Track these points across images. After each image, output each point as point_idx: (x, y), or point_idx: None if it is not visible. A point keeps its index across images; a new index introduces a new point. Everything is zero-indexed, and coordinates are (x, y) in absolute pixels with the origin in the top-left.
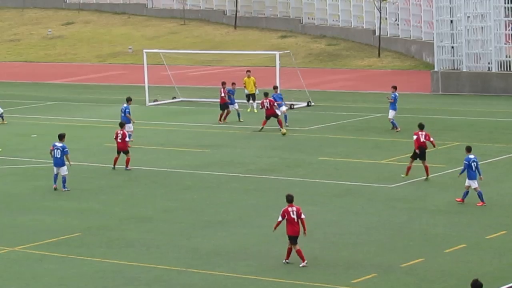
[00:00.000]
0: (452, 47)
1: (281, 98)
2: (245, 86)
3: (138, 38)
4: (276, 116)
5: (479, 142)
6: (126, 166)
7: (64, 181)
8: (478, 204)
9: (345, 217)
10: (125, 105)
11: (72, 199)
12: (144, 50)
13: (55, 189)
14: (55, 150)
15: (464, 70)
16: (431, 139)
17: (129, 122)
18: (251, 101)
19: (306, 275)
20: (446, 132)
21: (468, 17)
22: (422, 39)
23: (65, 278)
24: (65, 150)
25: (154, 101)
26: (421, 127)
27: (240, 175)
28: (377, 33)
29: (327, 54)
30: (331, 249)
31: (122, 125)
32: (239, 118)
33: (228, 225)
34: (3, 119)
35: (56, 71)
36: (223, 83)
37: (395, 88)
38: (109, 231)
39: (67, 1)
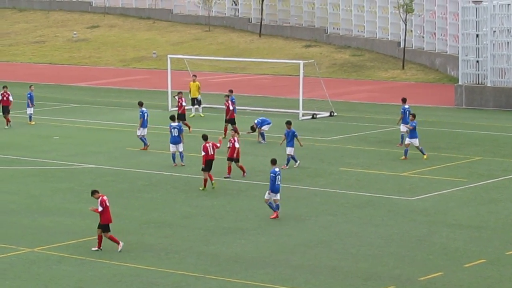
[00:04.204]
0: (477, 61)
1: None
2: (189, 91)
3: (163, 43)
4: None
5: (502, 157)
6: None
7: (182, 157)
8: None
9: (365, 228)
10: (144, 109)
11: (92, 202)
12: (168, 56)
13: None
14: (173, 130)
15: (489, 84)
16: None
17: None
18: (196, 106)
19: (324, 285)
20: (469, 146)
21: (494, 31)
22: (447, 52)
23: (83, 280)
24: (181, 128)
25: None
26: None
27: (260, 183)
28: (401, 45)
29: (351, 64)
30: (350, 260)
31: (205, 138)
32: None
33: (247, 233)
34: (30, 120)
35: (80, 74)
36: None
37: (414, 116)
38: (128, 235)
39: (93, 5)
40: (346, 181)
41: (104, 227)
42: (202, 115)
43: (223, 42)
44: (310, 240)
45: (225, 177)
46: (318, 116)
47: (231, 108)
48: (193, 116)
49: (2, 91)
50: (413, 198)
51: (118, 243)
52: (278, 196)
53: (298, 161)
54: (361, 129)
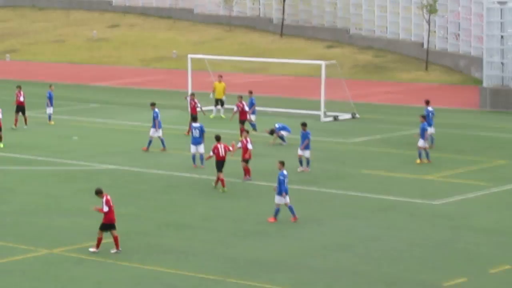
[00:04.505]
0: (502, 63)
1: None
2: (213, 91)
3: (183, 43)
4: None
5: None
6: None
7: (202, 159)
8: None
9: (387, 232)
10: (156, 109)
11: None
12: (189, 56)
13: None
14: (194, 130)
15: None
16: None
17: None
18: (218, 107)
19: None
20: (493, 149)
21: None
22: (471, 53)
23: (102, 282)
24: (203, 129)
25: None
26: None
27: None
28: (425, 46)
29: (373, 65)
30: (372, 265)
31: (218, 138)
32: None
33: (267, 236)
34: (50, 120)
35: (100, 74)
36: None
37: (424, 117)
38: (147, 237)
39: (113, 4)
40: (368, 184)
41: (106, 227)
42: (223, 117)
43: (244, 42)
44: (331, 244)
45: (245, 180)
46: (340, 118)
47: (246, 109)
48: (214, 117)
49: (16, 91)
50: (436, 202)
51: (117, 248)
52: (288, 199)
53: (309, 168)
54: (384, 131)
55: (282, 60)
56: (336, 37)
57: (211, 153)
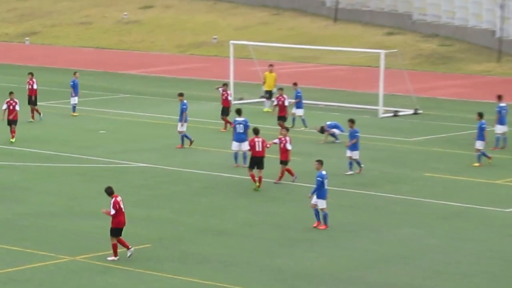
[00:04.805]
0: None
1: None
2: (264, 82)
3: (224, 27)
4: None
5: None
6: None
7: (245, 157)
8: None
9: (452, 243)
10: (184, 101)
11: (143, 205)
12: (231, 42)
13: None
14: (237, 125)
15: None
16: None
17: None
18: (272, 99)
19: None
20: None
21: None
22: None
23: None
24: (247, 124)
25: (240, 99)
26: None
27: (334, 188)
28: (497, 35)
29: (439, 55)
30: (435, 279)
31: (256, 132)
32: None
33: (317, 245)
34: (74, 111)
35: (130, 61)
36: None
37: (480, 115)
38: (182, 244)
39: None
40: (432, 188)
41: (114, 231)
42: (267, 110)
43: (293, 27)
44: (389, 255)
45: (292, 181)
46: (400, 113)
47: (286, 103)
48: (267, 110)
49: (28, 79)
50: (509, 210)
51: (128, 248)
52: (324, 204)
53: (352, 171)
54: (450, 130)
55: (335, 48)
56: (397, 22)
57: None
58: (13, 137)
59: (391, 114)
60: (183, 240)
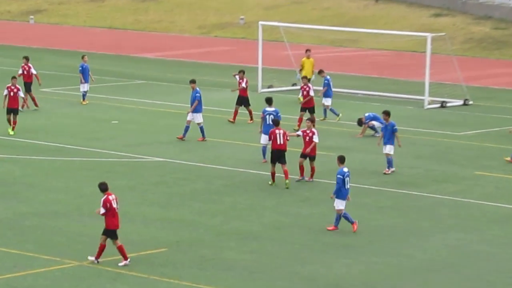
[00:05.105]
0: None
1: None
2: (301, 69)
3: (253, 6)
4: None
5: None
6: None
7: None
8: None
9: (505, 249)
10: (197, 89)
11: (159, 205)
12: (260, 23)
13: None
14: (267, 116)
15: None
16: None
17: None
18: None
19: None
20: None
21: None
22: None
23: None
24: (278, 115)
25: (269, 87)
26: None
27: (373, 187)
28: None
29: (492, 40)
30: None
31: (277, 123)
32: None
33: (354, 251)
34: (84, 99)
35: (147, 43)
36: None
37: None
38: (203, 249)
39: None
40: (483, 188)
41: (109, 234)
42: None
43: (329, 7)
44: (434, 263)
45: (297, 181)
46: (448, 104)
47: (311, 93)
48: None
49: (22, 64)
50: None
51: (126, 258)
52: (342, 204)
53: (393, 168)
54: (503, 123)
55: (376, 31)
56: (445, 3)
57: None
58: (13, 128)
59: (438, 105)
60: (203, 244)
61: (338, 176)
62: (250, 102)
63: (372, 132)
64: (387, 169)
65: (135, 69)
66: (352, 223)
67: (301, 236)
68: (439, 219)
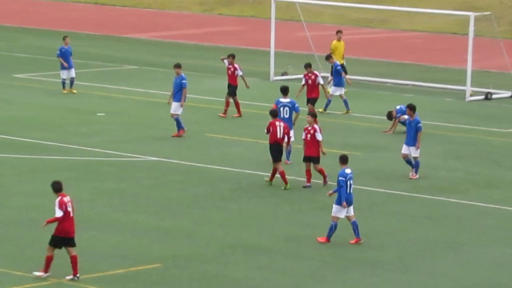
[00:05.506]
0: None
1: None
2: (331, 54)
3: None
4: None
5: None
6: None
7: (289, 152)
8: None
9: None
10: (183, 74)
11: (153, 212)
12: None
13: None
14: (282, 108)
15: None
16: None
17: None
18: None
19: None
20: None
21: None
22: None
23: None
24: (295, 106)
25: (283, 75)
26: None
27: (405, 193)
28: None
29: None
30: None
31: (274, 114)
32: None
33: (380, 267)
34: (64, 87)
35: (140, 22)
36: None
37: None
38: (204, 264)
39: None
40: None
41: (58, 241)
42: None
43: None
44: (476, 282)
45: (304, 186)
46: (494, 96)
47: (320, 81)
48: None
49: None
50: None
51: (75, 273)
52: (352, 211)
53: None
54: None
55: (410, 9)
56: None
57: (266, 131)
58: None
59: (482, 97)
60: (205, 259)
61: (340, 178)
62: (258, 92)
63: (403, 128)
64: (413, 174)
65: (126, 52)
66: (357, 237)
67: (319, 250)
68: (481, 230)
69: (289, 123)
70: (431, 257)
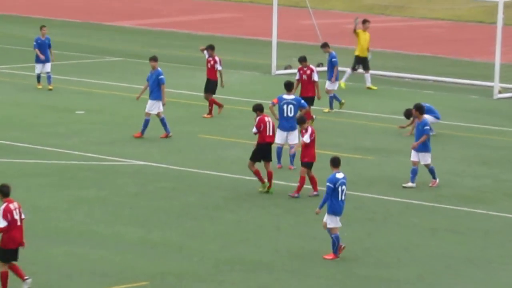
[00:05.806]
0: None
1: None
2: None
3: None
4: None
5: None
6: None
7: (292, 157)
8: None
9: None
10: (159, 69)
11: (138, 223)
12: None
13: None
14: (285, 106)
15: None
16: None
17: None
18: (361, 70)
19: None
20: None
21: None
22: None
23: None
24: (301, 103)
25: (286, 68)
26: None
27: (425, 203)
28: None
29: None
30: None
31: (261, 109)
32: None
33: (398, 286)
34: (39, 82)
35: (124, 7)
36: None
37: None
38: (196, 282)
39: None
40: None
41: (8, 255)
42: (373, 88)
43: None
44: None
45: (311, 195)
46: None
47: (315, 78)
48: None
49: None
50: None
51: (23, 279)
52: (335, 222)
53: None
54: None
55: None
56: None
57: (254, 130)
58: None
59: None
60: (197, 277)
61: (328, 184)
62: (259, 88)
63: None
64: (434, 181)
65: (108, 42)
66: (333, 252)
67: (327, 268)
68: (511, 246)
69: (293, 123)
70: (454, 276)
